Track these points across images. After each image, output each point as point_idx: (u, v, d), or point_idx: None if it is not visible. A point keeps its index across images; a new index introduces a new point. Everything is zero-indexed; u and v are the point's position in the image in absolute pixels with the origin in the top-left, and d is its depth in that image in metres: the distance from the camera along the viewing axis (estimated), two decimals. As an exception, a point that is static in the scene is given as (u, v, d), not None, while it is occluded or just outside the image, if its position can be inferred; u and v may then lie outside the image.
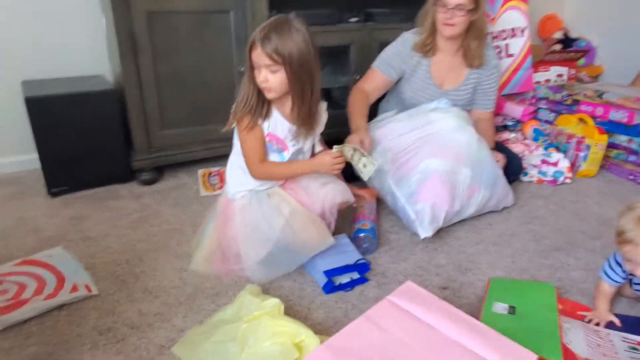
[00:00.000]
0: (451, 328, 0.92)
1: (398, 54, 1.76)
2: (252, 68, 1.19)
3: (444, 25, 1.65)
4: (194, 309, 1.19)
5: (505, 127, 2.32)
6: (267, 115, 1.25)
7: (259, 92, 1.21)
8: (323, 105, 1.34)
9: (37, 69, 1.89)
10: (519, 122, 2.31)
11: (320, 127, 1.36)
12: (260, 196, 1.31)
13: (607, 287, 1.16)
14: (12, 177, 1.91)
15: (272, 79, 1.16)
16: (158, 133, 1.83)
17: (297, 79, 1.17)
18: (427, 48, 1.73)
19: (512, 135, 2.19)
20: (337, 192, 1.32)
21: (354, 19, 2.12)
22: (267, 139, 1.27)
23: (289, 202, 1.29)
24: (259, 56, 1.14)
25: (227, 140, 1.89)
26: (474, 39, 1.71)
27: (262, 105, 1.23)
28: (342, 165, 1.29)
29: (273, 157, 1.30)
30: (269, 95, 1.20)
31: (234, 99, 1.97)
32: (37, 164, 1.72)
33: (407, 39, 1.76)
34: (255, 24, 1.82)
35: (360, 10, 2.15)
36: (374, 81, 1.80)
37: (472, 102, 1.86)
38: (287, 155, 1.30)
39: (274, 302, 1.06)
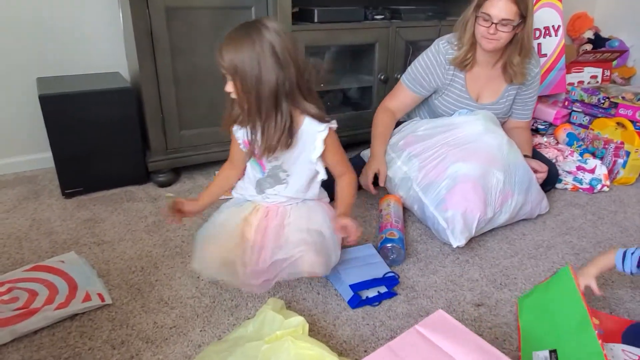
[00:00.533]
0: None
1: (431, 70, 1.62)
2: None
3: (485, 39, 1.48)
4: (212, 323, 1.12)
5: (536, 131, 2.21)
6: (242, 123, 1.13)
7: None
8: (315, 127, 1.11)
9: (52, 65, 1.84)
10: (550, 125, 2.20)
11: (312, 151, 1.13)
12: (235, 203, 1.25)
13: (610, 264, 1.08)
14: (27, 175, 1.87)
15: (232, 89, 1.05)
16: (175, 133, 1.77)
17: (244, 94, 1.04)
18: (466, 63, 1.57)
19: (544, 139, 2.08)
20: (307, 261, 1.09)
21: (379, 17, 2.03)
22: (244, 145, 1.16)
23: (239, 214, 1.20)
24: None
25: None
26: (517, 54, 1.53)
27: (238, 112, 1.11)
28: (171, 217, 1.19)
29: (254, 168, 1.20)
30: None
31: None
32: (52, 163, 1.67)
33: (441, 50, 1.60)
34: (280, 20, 1.75)
35: (386, 7, 2.07)
36: (402, 100, 1.70)
37: (510, 113, 1.74)
38: (265, 171, 1.18)
39: (297, 321, 0.98)
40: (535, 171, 1.58)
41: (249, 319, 1.11)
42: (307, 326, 0.98)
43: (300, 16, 1.89)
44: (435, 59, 1.61)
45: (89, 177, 1.70)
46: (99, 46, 1.90)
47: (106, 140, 1.68)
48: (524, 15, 1.44)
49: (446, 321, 0.94)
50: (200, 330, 1.10)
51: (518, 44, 1.51)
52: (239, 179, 1.27)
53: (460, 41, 1.57)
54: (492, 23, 1.43)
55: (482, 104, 1.65)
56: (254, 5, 1.74)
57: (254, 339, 0.99)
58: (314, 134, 1.12)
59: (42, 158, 1.90)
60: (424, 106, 1.77)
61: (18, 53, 1.78)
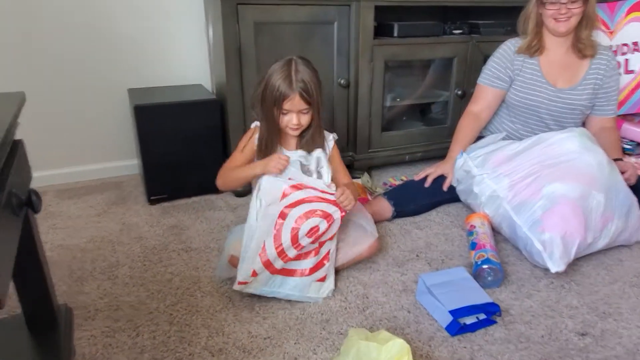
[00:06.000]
0: None
1: (502, 62, 1.70)
2: (276, 114, 1.23)
3: (557, 22, 1.56)
4: (305, 335, 1.11)
5: (622, 151, 2.09)
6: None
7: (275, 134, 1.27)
8: (329, 135, 1.36)
9: (141, 77, 1.93)
10: (638, 145, 2.08)
11: (325, 154, 1.30)
12: None
13: None
14: (113, 181, 1.95)
15: (303, 119, 1.24)
16: (255, 144, 1.80)
17: (318, 108, 1.26)
18: (533, 49, 1.65)
19: (633, 159, 1.97)
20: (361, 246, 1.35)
21: (457, 31, 2.01)
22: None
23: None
24: (295, 104, 1.20)
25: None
26: (585, 28, 1.59)
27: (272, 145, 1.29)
28: (279, 166, 1.19)
29: None
30: (295, 133, 1.27)
31: (333, 110, 1.92)
32: (136, 170, 1.74)
33: (509, 45, 1.71)
34: (362, 34, 1.77)
35: (465, 22, 2.04)
36: (483, 99, 1.74)
37: (593, 108, 1.71)
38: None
39: (400, 344, 0.93)
40: (624, 172, 1.53)
41: (337, 346, 1.09)
42: (410, 349, 0.94)
43: (380, 31, 1.89)
44: (505, 52, 1.70)
45: (172, 185, 1.76)
46: (184, 59, 1.98)
47: (190, 149, 1.74)
48: None
49: None
50: (295, 343, 1.09)
51: (586, 18, 1.56)
52: None
53: (524, 34, 1.66)
54: (562, 3, 1.51)
55: (559, 88, 1.66)
56: (336, 20, 1.76)
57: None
58: (327, 140, 1.35)
59: (126, 165, 1.99)
60: (501, 105, 1.78)
61: (111, 66, 1.88)
